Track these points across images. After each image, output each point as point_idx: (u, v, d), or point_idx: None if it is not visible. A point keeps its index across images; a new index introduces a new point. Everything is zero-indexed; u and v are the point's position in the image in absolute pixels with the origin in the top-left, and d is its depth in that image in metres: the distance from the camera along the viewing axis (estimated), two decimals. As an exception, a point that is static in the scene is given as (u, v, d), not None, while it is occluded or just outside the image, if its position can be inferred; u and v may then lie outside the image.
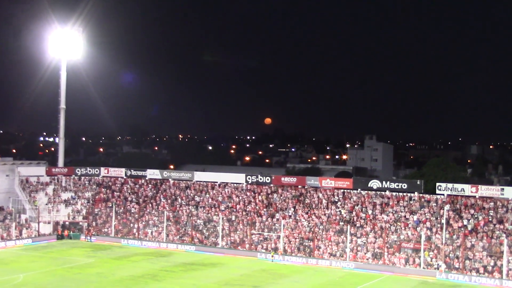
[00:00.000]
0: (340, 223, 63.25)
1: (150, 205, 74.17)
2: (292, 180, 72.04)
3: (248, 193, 71.76)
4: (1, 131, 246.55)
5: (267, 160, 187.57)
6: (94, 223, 74.17)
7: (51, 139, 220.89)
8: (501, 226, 57.03)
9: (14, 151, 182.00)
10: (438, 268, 55.99)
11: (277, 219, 66.06)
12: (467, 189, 61.41)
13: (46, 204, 75.24)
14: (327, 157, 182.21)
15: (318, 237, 62.48)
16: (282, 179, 72.82)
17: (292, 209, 67.20)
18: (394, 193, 64.98)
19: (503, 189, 60.53)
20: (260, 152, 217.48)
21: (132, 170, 79.94)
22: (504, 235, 55.54)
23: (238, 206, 70.13)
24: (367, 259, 59.34)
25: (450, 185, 62.57)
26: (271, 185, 71.74)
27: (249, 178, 73.19)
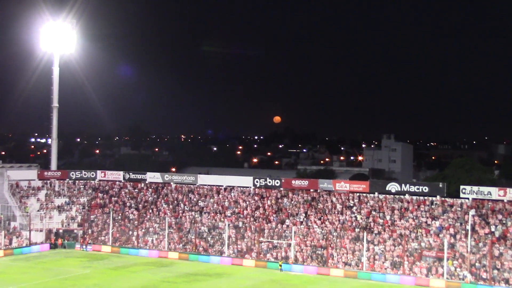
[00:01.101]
0: (356, 229, 63.23)
1: (151, 211, 74.33)
2: (303, 183, 72.06)
3: (256, 198, 71.85)
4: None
5: (276, 162, 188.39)
6: (90, 231, 74.20)
7: (43, 140, 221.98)
8: (532, 233, 56.85)
9: (3, 153, 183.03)
10: (463, 279, 55.89)
11: (288, 226, 66.09)
12: (494, 192, 61.37)
13: (38, 211, 75.36)
14: (342, 158, 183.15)
15: (332, 245, 62.48)
16: (293, 182, 72.94)
17: (304, 215, 67.25)
18: (414, 197, 65.05)
19: (534, 192, 60.43)
20: (268, 153, 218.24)
21: (130, 173, 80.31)
22: (534, 242, 55.39)
23: (245, 212, 70.23)
24: (385, 269, 59.21)
25: (475, 188, 62.70)
26: (281, 188, 71.97)
27: (257, 181, 73.44)
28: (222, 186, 75.13)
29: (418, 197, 64.91)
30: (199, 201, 73.90)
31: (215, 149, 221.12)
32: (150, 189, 77.89)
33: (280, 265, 62.04)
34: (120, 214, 74.51)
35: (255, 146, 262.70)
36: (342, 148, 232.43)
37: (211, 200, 73.64)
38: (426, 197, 64.54)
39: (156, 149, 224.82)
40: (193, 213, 72.39)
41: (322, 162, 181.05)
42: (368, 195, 67.33)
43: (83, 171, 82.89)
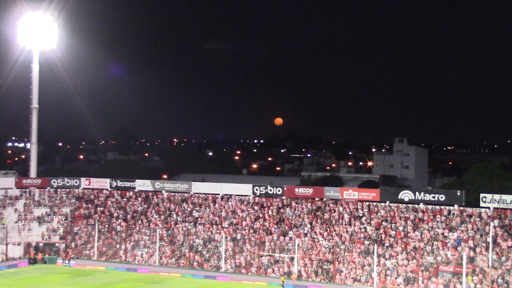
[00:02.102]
0: (366, 242, 63.34)
1: (140, 222, 74.34)
2: (307, 191, 72.31)
3: (256, 207, 71.93)
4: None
5: (278, 168, 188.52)
6: (73, 244, 74.13)
7: (22, 145, 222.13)
8: (559, 245, 56.76)
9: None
10: (483, 296, 55.19)
11: (291, 238, 66.24)
12: (518, 201, 61.17)
13: (16, 222, 75.38)
14: (349, 163, 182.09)
15: (339, 259, 62.41)
16: (296, 190, 73.14)
17: (308, 226, 67.34)
18: (429, 206, 65.24)
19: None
20: (269, 159, 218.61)
21: (118, 181, 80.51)
22: (562, 255, 55.30)
23: (244, 223, 70.28)
24: (398, 285, 59.11)
25: (497, 197, 62.67)
26: (283, 197, 72.17)
27: (256, 190, 73.62)
28: (219, 194, 75.22)
29: (433, 206, 64.98)
30: (194, 211, 73.88)
31: (210, 154, 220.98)
32: (139, 198, 77.87)
33: (282, 282, 61.80)
34: (106, 226, 74.34)
35: (255, 150, 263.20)
36: (350, 153, 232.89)
37: (206, 210, 73.65)
38: (442, 207, 64.60)
39: (146, 154, 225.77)
40: (186, 224, 72.28)
41: (328, 168, 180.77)
42: (378, 204, 67.43)
43: (65, 178, 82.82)
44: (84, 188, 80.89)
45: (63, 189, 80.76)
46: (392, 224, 64.49)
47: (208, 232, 70.43)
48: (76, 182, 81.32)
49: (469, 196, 74.73)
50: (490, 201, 62.22)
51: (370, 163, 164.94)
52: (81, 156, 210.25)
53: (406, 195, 67.01)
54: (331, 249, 63.17)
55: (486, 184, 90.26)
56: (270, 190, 73.32)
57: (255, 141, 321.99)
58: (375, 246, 61.22)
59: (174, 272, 67.20)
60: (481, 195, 63.73)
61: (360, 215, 66.77)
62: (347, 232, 65.18)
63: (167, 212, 75.01)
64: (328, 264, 62.47)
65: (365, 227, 65.07)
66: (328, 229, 66.28)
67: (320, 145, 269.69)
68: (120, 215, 76.09)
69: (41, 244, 74.35)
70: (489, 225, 59.79)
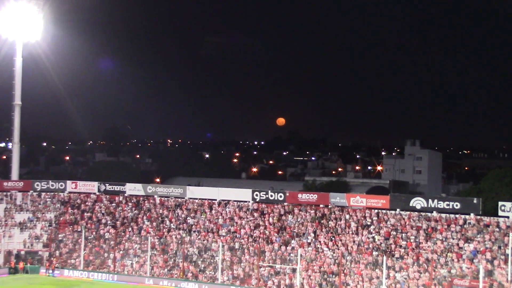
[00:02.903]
0: (374, 253, 63.21)
1: (130, 229, 74.20)
2: (312, 197, 72.43)
3: (255, 214, 71.99)
4: None
5: (279, 172, 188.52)
6: (57, 253, 73.85)
7: (3, 145, 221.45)
8: None
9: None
10: (502, 313, 55.71)
11: (293, 248, 66.17)
12: (540, 209, 61.46)
13: (-4, 228, 75.21)
14: (357, 168, 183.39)
15: (345, 270, 62.27)
16: (299, 196, 73.29)
17: (312, 235, 67.35)
18: (443, 215, 65.08)
19: None
20: (270, 162, 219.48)
21: (107, 185, 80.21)
22: None
23: (242, 231, 70.25)
24: (409, 300, 59.18)
25: (517, 205, 62.40)
26: (285, 203, 72.20)
27: (256, 195, 73.76)
28: (216, 200, 75.27)
29: (448, 215, 64.87)
30: (188, 218, 73.91)
31: (207, 156, 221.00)
32: (130, 203, 77.86)
33: (284, 295, 61.85)
34: (93, 233, 74.27)
35: (255, 152, 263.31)
36: (357, 156, 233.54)
37: (202, 216, 73.66)
38: (457, 215, 64.46)
39: (138, 156, 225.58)
40: (180, 232, 72.27)
41: (334, 172, 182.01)
42: (388, 212, 67.33)
43: (50, 181, 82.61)
44: (70, 192, 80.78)
45: (47, 193, 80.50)
46: (403, 234, 64.25)
47: (203, 240, 70.25)
48: (61, 186, 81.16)
49: (487, 204, 75.10)
50: (509, 209, 62.02)
51: (379, 168, 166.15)
52: (67, 158, 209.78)
53: (418, 202, 66.92)
54: (337, 260, 63.04)
55: (505, 192, 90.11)
56: (271, 195, 73.26)
57: (255, 142, 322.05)
58: (384, 258, 61.01)
59: (166, 284, 67.10)
60: (500, 203, 63.36)
61: (368, 223, 66.63)
62: (354, 242, 64.97)
63: (160, 218, 74.91)
64: (333, 276, 62.26)
65: (373, 237, 64.98)
66: (334, 238, 66.00)
67: (325, 147, 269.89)
68: (109, 222, 75.90)
69: (22, 252, 74.06)
70: (508, 236, 59.40)
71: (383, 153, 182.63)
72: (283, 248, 66.58)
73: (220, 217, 73.03)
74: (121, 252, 71.73)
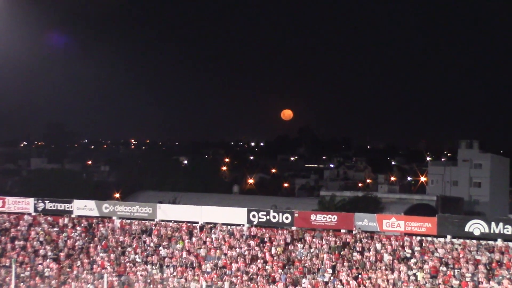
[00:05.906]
0: (416, 295, 57.42)
1: (79, 263, 67.11)
2: (330, 219, 65.48)
3: (252, 243, 65.11)
4: None
5: (285, 184, 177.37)
6: (-22, 294, 66.34)
7: None
8: None
9: None
10: None
11: (304, 288, 59.30)
12: None
13: None
14: (392, 179, 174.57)
15: (375, 320, 57.51)
16: (313, 217, 66.49)
17: (330, 271, 60.62)
18: (511, 244, 59.48)
19: None
20: (273, 170, 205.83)
21: (47, 202, 73.59)
22: None
23: (234, 266, 63.15)
24: None
25: None
26: (293, 228, 65.55)
27: (254, 216, 67.37)
28: (198, 223, 68.30)
29: (518, 244, 59.09)
30: (160, 248, 66.74)
31: (185, 162, 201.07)
32: (78, 228, 70.91)
33: None
34: (28, 269, 66.47)
35: (252, 158, 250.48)
36: (392, 163, 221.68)
37: (178, 246, 66.25)
38: (531, 245, 58.82)
39: (90, 162, 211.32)
40: (148, 267, 64.84)
41: (360, 185, 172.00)
42: (435, 239, 61.50)
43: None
44: (-5, 212, 75.23)
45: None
46: (456, 270, 57.90)
47: (180, 279, 62.87)
48: (-19, 204, 76.27)
49: None
50: None
51: (423, 179, 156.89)
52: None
53: (476, 226, 60.83)
54: (364, 307, 57.60)
55: None
56: (274, 217, 66.47)
57: (252, 144, 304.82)
58: (430, 303, 56.03)
59: None
60: None
61: (408, 255, 60.43)
62: (387, 281, 58.33)
63: (120, 248, 67.58)
64: (359, 327, 57.45)
65: (415, 274, 58.63)
66: (360, 276, 59.32)
67: (348, 150, 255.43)
68: (50, 253, 68.25)
69: None
70: None
71: (428, 158, 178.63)
72: (290, 288, 58.67)
73: (203, 246, 65.91)
74: (66, 294, 64.73)
